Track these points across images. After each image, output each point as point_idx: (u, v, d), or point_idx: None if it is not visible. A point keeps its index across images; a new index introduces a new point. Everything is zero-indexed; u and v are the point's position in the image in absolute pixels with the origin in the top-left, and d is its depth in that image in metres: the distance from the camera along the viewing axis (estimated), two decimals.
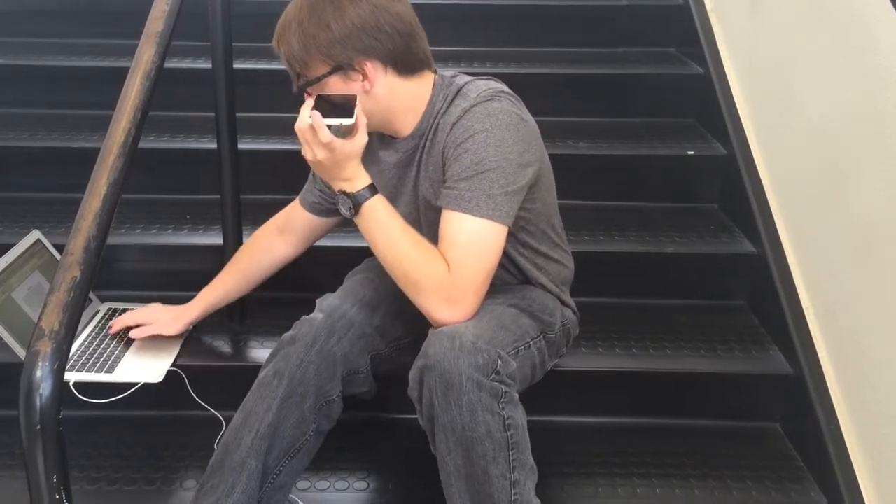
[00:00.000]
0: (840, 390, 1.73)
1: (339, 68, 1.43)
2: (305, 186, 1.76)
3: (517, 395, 1.38)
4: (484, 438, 1.31)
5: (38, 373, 1.07)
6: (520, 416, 1.37)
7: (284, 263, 1.81)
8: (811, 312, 1.87)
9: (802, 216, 1.96)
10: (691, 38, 2.69)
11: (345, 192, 1.42)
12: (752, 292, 2.14)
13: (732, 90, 2.42)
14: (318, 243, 1.84)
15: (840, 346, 1.75)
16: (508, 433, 1.33)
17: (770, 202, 2.11)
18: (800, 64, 2.02)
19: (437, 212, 1.46)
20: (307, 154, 1.40)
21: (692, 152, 2.39)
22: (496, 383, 1.32)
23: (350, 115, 1.38)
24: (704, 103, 2.55)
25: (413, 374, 1.38)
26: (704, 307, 2.13)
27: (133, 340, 1.83)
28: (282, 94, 2.43)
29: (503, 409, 1.32)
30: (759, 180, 2.17)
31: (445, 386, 1.31)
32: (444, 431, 1.33)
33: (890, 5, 1.50)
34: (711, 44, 2.58)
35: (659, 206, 2.37)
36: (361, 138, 1.40)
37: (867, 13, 1.68)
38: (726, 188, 2.35)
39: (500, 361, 1.34)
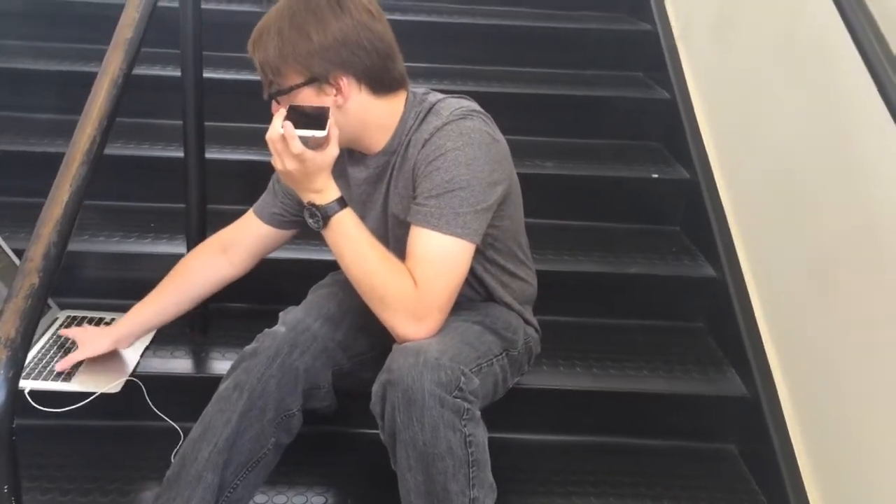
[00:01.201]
0: (794, 413, 1.76)
1: (314, 80, 1.43)
2: (263, 198, 1.73)
3: (479, 413, 1.39)
4: (445, 455, 1.32)
5: None
6: (481, 434, 1.37)
7: (224, 284, 1.75)
8: (768, 336, 1.90)
9: (762, 241, 2.00)
10: (658, 63, 2.73)
11: (313, 205, 1.42)
12: (712, 315, 2.17)
13: (697, 116, 2.46)
14: (282, 255, 1.82)
15: (795, 369, 1.79)
16: (469, 450, 1.34)
17: (731, 226, 2.15)
18: (762, 92, 2.06)
19: (406, 228, 1.46)
20: (277, 164, 1.40)
21: (656, 175, 2.42)
22: (458, 400, 1.33)
23: (322, 127, 1.37)
24: (670, 128, 2.59)
25: (376, 388, 1.38)
26: (665, 328, 2.16)
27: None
28: (249, 105, 2.43)
29: (465, 426, 1.33)
30: (721, 205, 2.21)
31: (408, 402, 1.31)
32: (406, 447, 1.33)
33: (849, 38, 1.54)
34: (678, 70, 2.63)
35: (623, 227, 2.40)
36: (332, 151, 1.40)
37: (828, 45, 1.73)
38: (689, 212, 2.39)
39: (463, 378, 1.34)
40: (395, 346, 1.40)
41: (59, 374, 1.73)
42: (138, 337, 1.80)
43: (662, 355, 2.03)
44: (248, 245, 1.73)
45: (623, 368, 1.96)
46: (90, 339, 1.77)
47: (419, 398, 1.30)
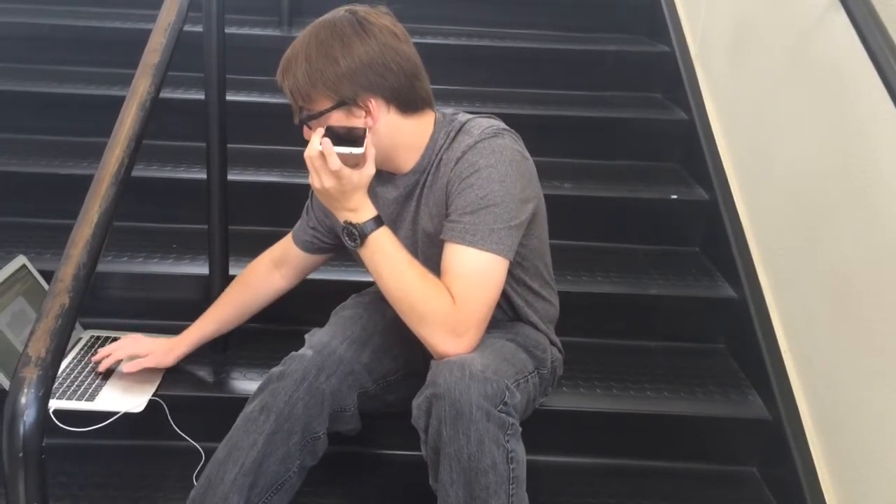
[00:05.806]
0: (816, 435, 1.75)
1: (343, 103, 1.45)
2: (298, 225, 1.77)
3: (520, 429, 1.38)
4: (488, 470, 1.31)
5: (23, 399, 1.07)
6: (521, 451, 1.37)
7: (279, 296, 1.82)
8: (789, 357, 1.89)
9: (782, 262, 2.00)
10: (676, 84, 2.74)
11: (350, 223, 1.43)
12: (732, 336, 2.16)
13: (715, 136, 2.47)
14: None
15: (817, 391, 1.78)
16: (511, 466, 1.33)
17: (750, 248, 2.15)
18: (780, 112, 2.07)
19: (436, 246, 1.47)
20: (314, 182, 1.40)
21: (675, 196, 2.43)
22: (503, 414, 1.33)
23: (359, 145, 1.39)
24: (688, 149, 2.59)
25: (420, 402, 1.38)
26: (685, 350, 2.15)
27: (114, 368, 1.83)
28: (271, 127, 2.46)
29: (508, 441, 1.33)
30: (741, 226, 2.21)
31: (455, 415, 1.31)
32: (450, 461, 1.32)
33: (867, 57, 1.55)
34: (695, 90, 2.64)
35: (642, 248, 2.40)
36: (369, 169, 1.41)
37: (844, 65, 1.73)
38: (708, 233, 2.39)
39: (507, 392, 1.34)
40: (434, 362, 1.40)
41: (86, 391, 1.75)
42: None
43: (683, 377, 2.02)
44: (293, 264, 1.79)
45: (643, 390, 1.96)
46: (160, 352, 1.82)
47: (466, 411, 1.30)
